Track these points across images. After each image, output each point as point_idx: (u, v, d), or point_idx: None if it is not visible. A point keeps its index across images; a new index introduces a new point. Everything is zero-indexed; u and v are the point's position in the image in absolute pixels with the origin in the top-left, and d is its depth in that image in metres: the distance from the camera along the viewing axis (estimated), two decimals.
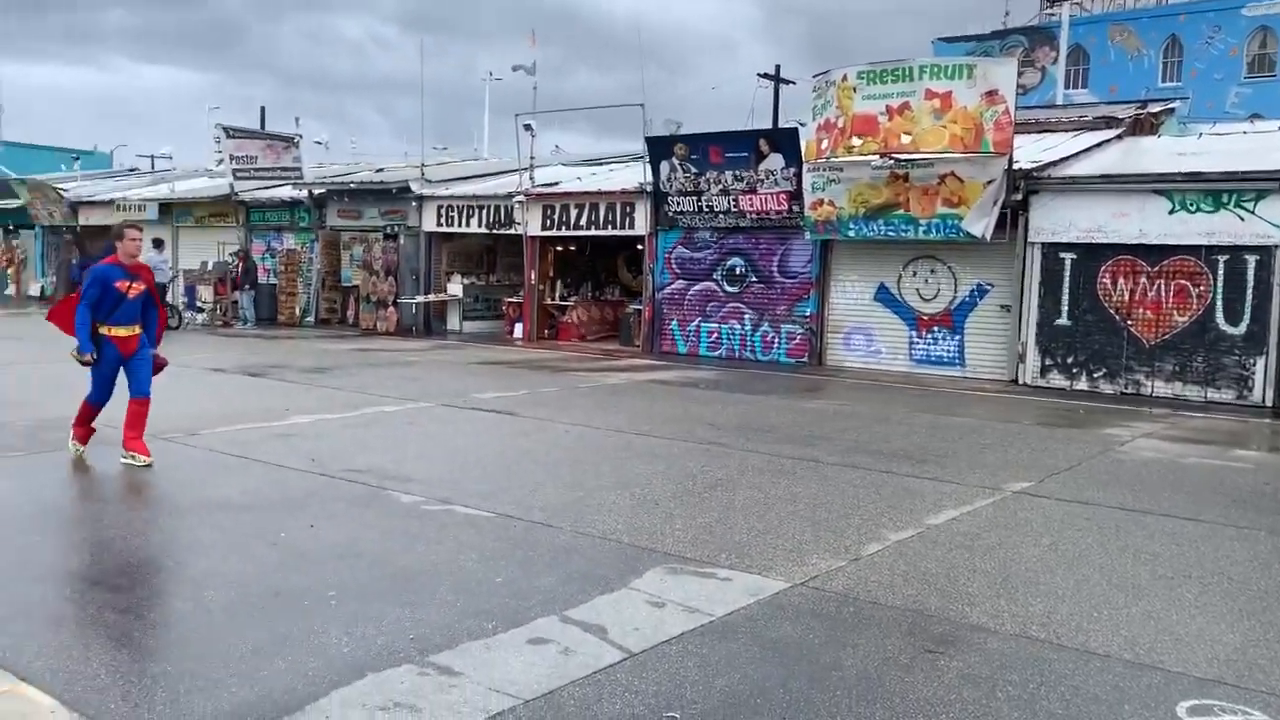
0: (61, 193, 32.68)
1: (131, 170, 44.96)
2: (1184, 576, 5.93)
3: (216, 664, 4.26)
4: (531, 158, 22.00)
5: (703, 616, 4.99)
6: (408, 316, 23.48)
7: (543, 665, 4.34)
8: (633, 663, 4.40)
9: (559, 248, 23.34)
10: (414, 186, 23.55)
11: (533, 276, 22.25)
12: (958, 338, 16.77)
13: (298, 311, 25.78)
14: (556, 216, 21.61)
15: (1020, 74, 42.81)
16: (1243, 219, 13.97)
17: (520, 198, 21.62)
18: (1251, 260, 14.01)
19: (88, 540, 6.02)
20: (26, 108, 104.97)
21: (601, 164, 25.48)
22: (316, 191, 25.69)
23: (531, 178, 21.78)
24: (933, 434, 10.97)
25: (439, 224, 23.58)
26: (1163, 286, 14.70)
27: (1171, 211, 14.52)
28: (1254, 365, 14.04)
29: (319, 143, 32.64)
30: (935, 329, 17.02)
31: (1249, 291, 14.05)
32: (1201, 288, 14.41)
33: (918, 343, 17.19)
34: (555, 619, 4.90)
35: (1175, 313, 14.64)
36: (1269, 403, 13.79)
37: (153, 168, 44.81)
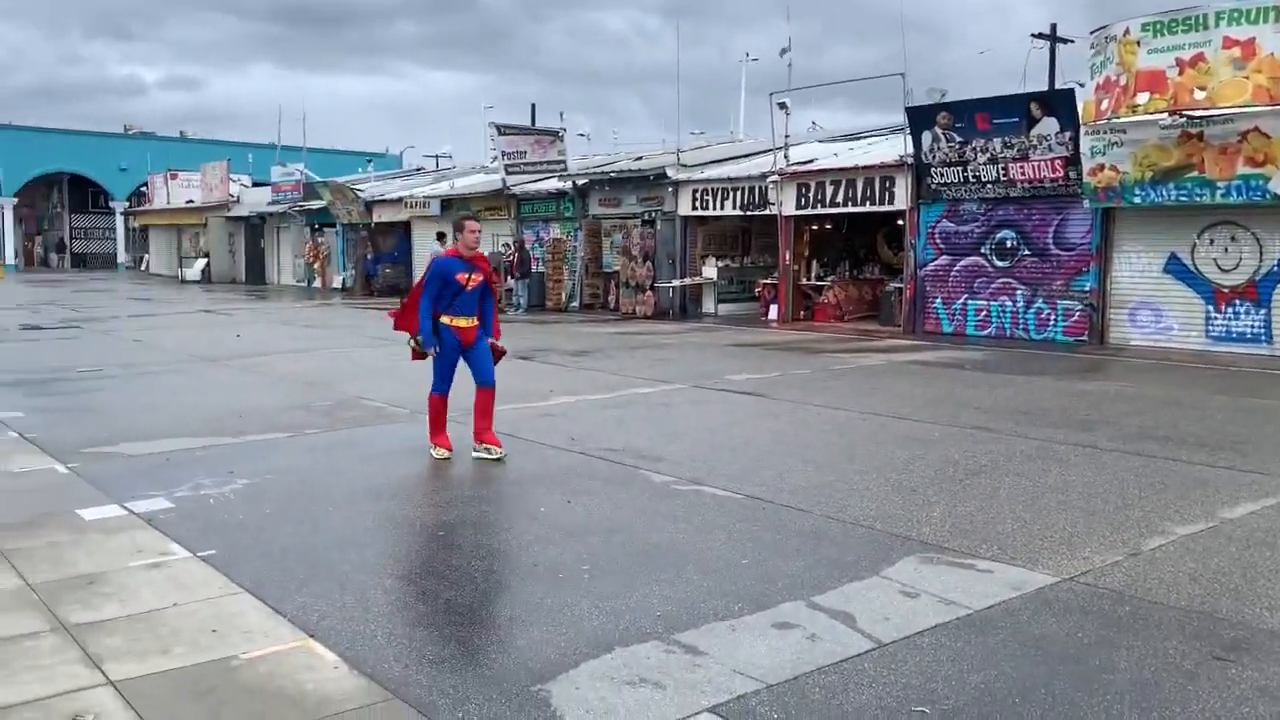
0: (358, 193, 35.81)
1: (417, 170, 48.55)
2: None
3: (477, 631, 4.52)
4: (786, 136, 21.78)
5: (959, 609, 4.74)
6: (665, 300, 23.95)
7: (788, 650, 4.28)
8: (881, 653, 4.25)
9: (815, 226, 23.01)
10: (670, 172, 23.94)
11: (787, 257, 22.06)
12: (1264, 311, 15.03)
13: (563, 297, 26.93)
14: (812, 194, 21.29)
15: None
16: None
17: (774, 177, 21.46)
18: None
19: (371, 511, 6.57)
20: (328, 117, 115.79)
21: (859, 138, 24.86)
22: (579, 182, 26.68)
23: (786, 156, 21.56)
24: (1232, 419, 9.90)
25: (694, 208, 23.85)
26: None
27: None
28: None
29: (582, 135, 33.95)
30: (1236, 302, 15.34)
31: None
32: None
33: (1215, 318, 15.57)
34: (802, 604, 4.82)
35: None
36: None
37: (436, 166, 48.20)
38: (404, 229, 34.14)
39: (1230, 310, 15.40)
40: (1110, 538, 5.88)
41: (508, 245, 27.40)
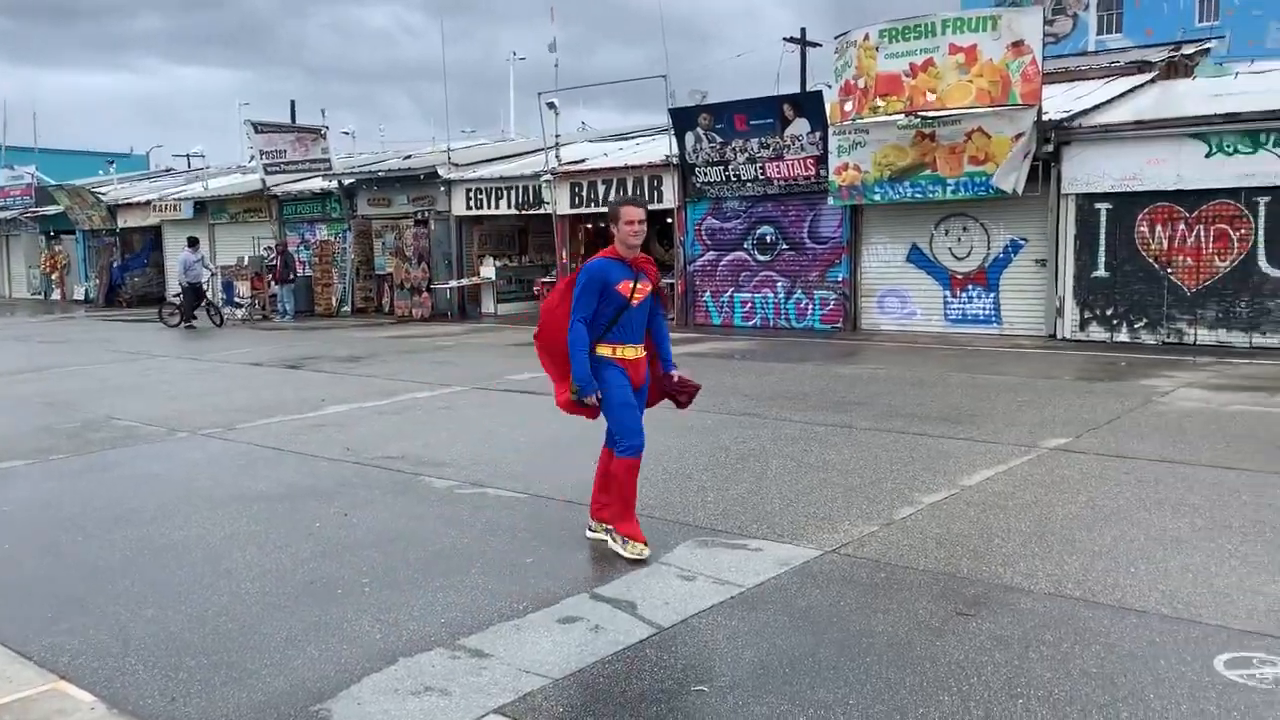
0: (99, 196, 33.18)
1: (167, 171, 45.55)
2: (1224, 527, 5.82)
3: (251, 655, 4.33)
4: (557, 136, 21.96)
5: (733, 588, 4.98)
6: (442, 302, 23.61)
7: (572, 644, 4.36)
8: (662, 637, 4.41)
9: (590, 225, 23.30)
10: (441, 171, 23.62)
11: (564, 255, 22.26)
12: (993, 295, 16.54)
13: (334, 302, 26.02)
14: (585, 194, 21.56)
15: (1051, 22, 41.94)
16: None
17: (547, 177, 21.59)
18: None
19: (128, 538, 6.14)
20: (65, 116, 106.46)
21: (628, 138, 25.38)
22: (346, 181, 25.85)
23: (558, 156, 21.74)
24: (968, 394, 10.85)
25: (468, 207, 23.64)
26: (1202, 232, 14.38)
27: (1209, 155, 14.18)
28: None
29: (346, 133, 32.96)
30: (970, 288, 16.80)
31: None
32: (1242, 231, 14.08)
33: (952, 302, 16.98)
34: (585, 597, 4.92)
35: (1216, 258, 14.32)
36: None
37: (188, 167, 45.34)
38: (154, 234, 31.94)
39: (965, 295, 16.84)
40: (866, 510, 6.33)
41: (269, 249, 26.19)
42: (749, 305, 19.42)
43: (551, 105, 21.81)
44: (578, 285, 5.39)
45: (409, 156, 29.13)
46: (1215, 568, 5.14)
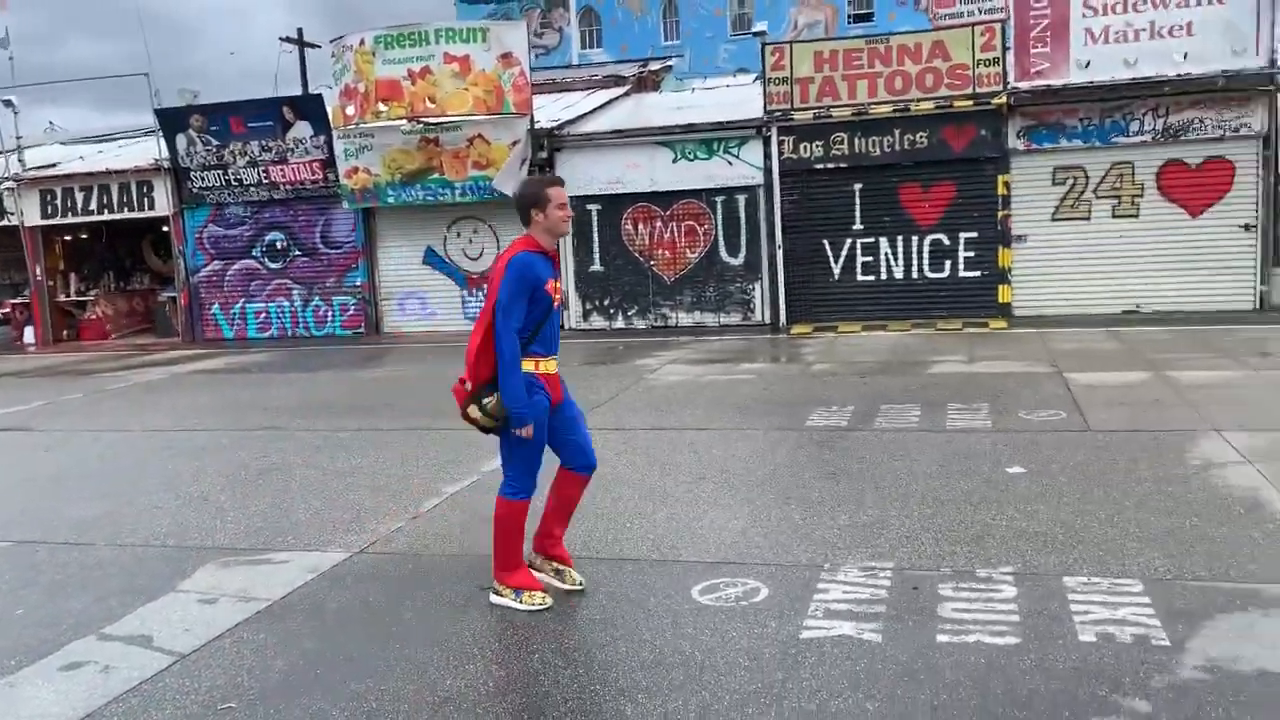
0: None
1: None
2: (700, 479, 6.81)
3: None
4: (19, 138, 19.35)
5: (259, 603, 4.90)
6: None
7: (80, 689, 4.04)
8: (184, 664, 4.24)
9: (68, 237, 20.83)
10: None
11: (39, 272, 19.71)
12: None
13: None
14: (60, 202, 19.25)
15: (540, 35, 44.74)
16: (731, 163, 15.92)
17: (9, 184, 18.97)
18: (741, 199, 16.04)
19: None
20: None
21: (111, 140, 23.02)
22: None
23: (21, 161, 19.17)
24: None
25: None
26: (675, 228, 16.39)
27: (675, 160, 16.17)
28: (753, 290, 16.16)
29: None
30: (484, 286, 17.56)
31: (743, 227, 16.10)
32: (706, 227, 16.26)
33: (470, 301, 17.67)
34: (92, 639, 4.56)
35: (688, 250, 16.40)
36: (768, 320, 15.97)
37: None
38: None
39: (481, 293, 17.60)
40: (393, 508, 6.51)
41: None
42: (264, 315, 18.64)
43: (9, 103, 19.17)
44: (507, 285, 4.44)
45: None
46: (693, 514, 6.02)
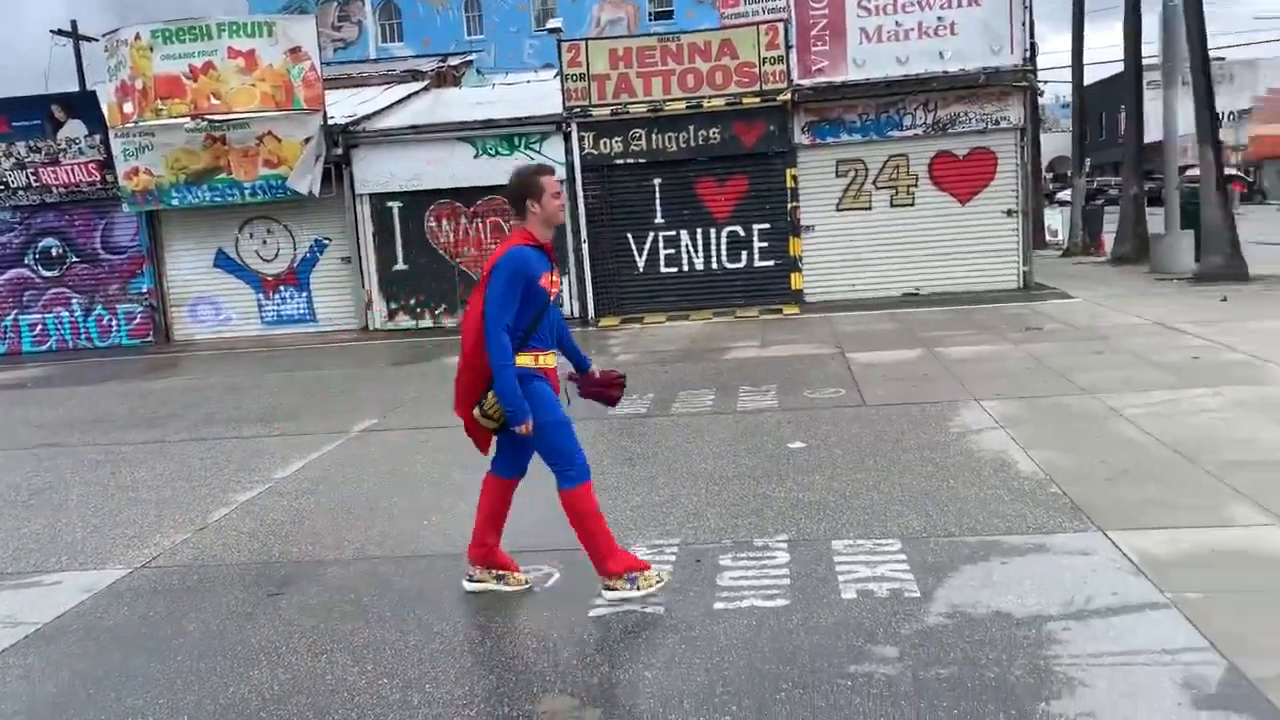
0: None
1: None
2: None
3: None
4: None
5: (27, 628, 4.66)
6: None
7: None
8: None
9: None
10: None
11: None
12: (305, 294, 16.97)
13: None
14: None
15: (338, 28, 43.48)
16: (533, 158, 15.97)
17: None
18: None
19: None
20: None
21: None
22: None
23: None
24: (286, 392, 11.12)
25: None
26: (481, 224, 16.35)
27: (476, 156, 16.12)
28: (560, 283, 16.28)
29: None
30: (282, 289, 17.02)
31: None
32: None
33: (267, 305, 17.06)
34: None
35: (494, 247, 16.34)
36: (576, 314, 16.16)
37: None
38: None
39: (278, 296, 17.03)
40: (180, 520, 6.28)
41: None
42: (40, 328, 17.39)
43: None
44: (497, 282, 4.29)
45: None
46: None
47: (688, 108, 15.49)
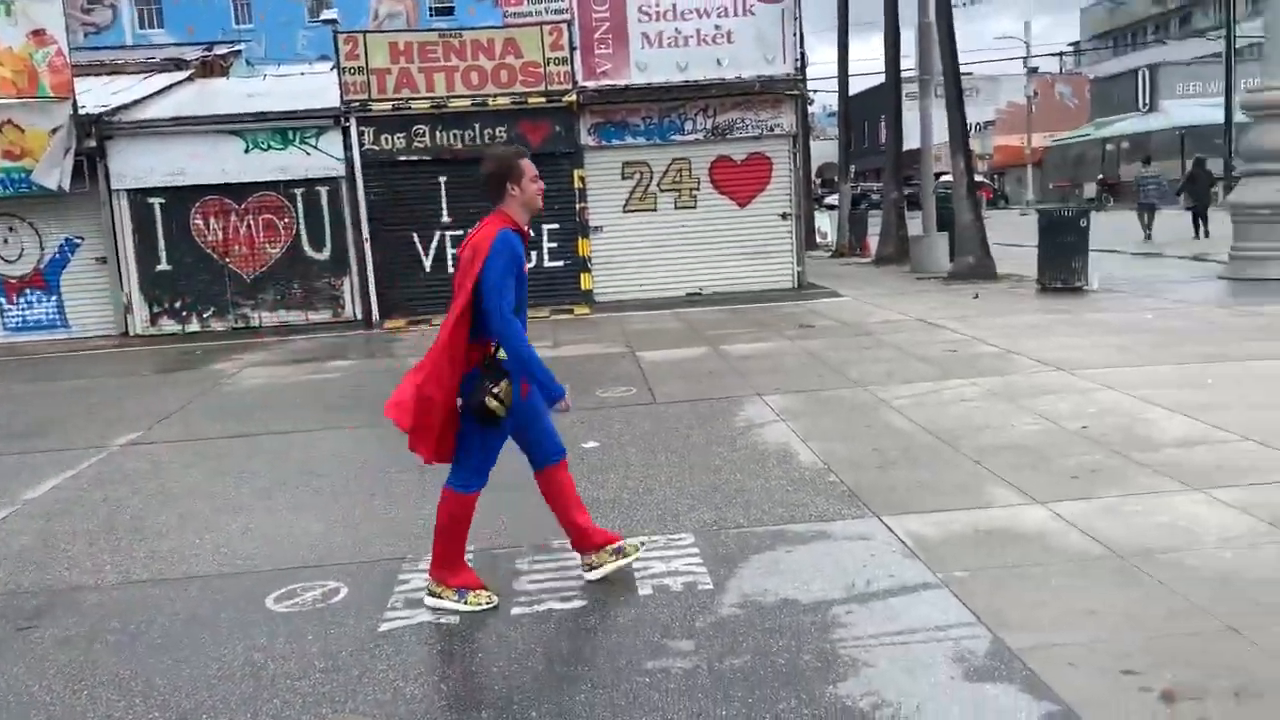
0: None
1: None
2: (280, 485, 6.54)
3: None
4: None
5: None
6: None
7: None
8: None
9: None
10: None
11: None
12: (55, 298, 15.56)
13: None
14: None
15: (89, 11, 40.27)
16: (309, 154, 15.33)
17: None
18: (324, 191, 15.52)
19: None
20: None
21: None
22: None
23: None
24: (37, 405, 10.16)
25: None
26: (252, 222, 15.50)
27: (247, 150, 15.27)
28: (343, 286, 15.73)
29: None
30: (28, 292, 15.53)
31: (327, 220, 15.58)
32: (286, 220, 15.55)
33: (10, 309, 15.52)
34: None
35: (268, 246, 15.58)
36: (360, 316, 15.62)
37: None
38: None
39: (23, 300, 15.51)
40: None
41: None
42: None
43: None
44: (495, 266, 4.03)
45: None
46: (270, 521, 5.78)
47: (473, 105, 15.28)
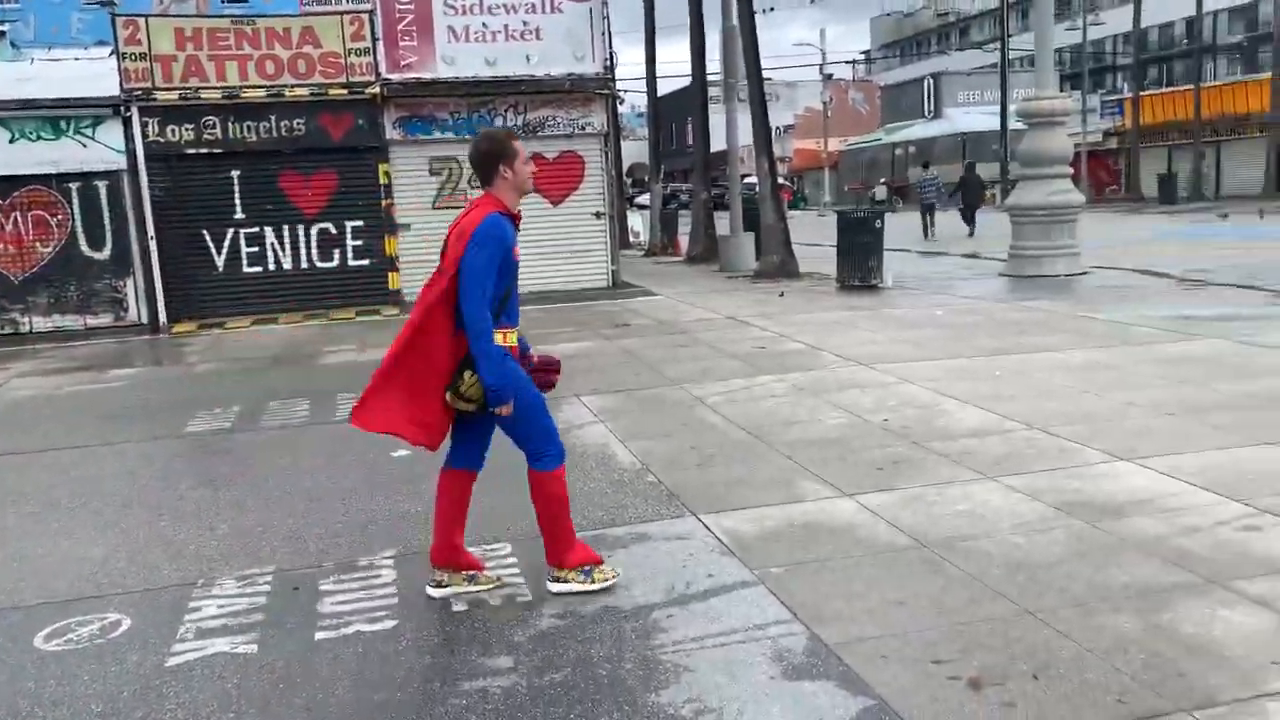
0: None
1: None
2: (52, 507, 5.95)
3: None
4: None
5: None
6: None
7: None
8: None
9: None
10: None
11: None
12: None
13: None
14: None
15: None
16: (85, 145, 14.18)
17: None
18: (103, 186, 14.38)
19: None
20: None
21: None
22: None
23: None
24: None
25: None
26: (19, 219, 14.18)
27: (13, 140, 13.97)
28: (125, 286, 14.61)
29: None
30: None
31: (107, 216, 14.45)
32: (60, 217, 14.31)
33: None
34: None
35: (39, 244, 14.30)
36: (145, 319, 14.56)
37: None
38: None
39: None
40: None
41: None
42: None
43: None
44: (479, 253, 3.89)
45: None
46: (41, 550, 5.23)
47: (269, 96, 14.50)
